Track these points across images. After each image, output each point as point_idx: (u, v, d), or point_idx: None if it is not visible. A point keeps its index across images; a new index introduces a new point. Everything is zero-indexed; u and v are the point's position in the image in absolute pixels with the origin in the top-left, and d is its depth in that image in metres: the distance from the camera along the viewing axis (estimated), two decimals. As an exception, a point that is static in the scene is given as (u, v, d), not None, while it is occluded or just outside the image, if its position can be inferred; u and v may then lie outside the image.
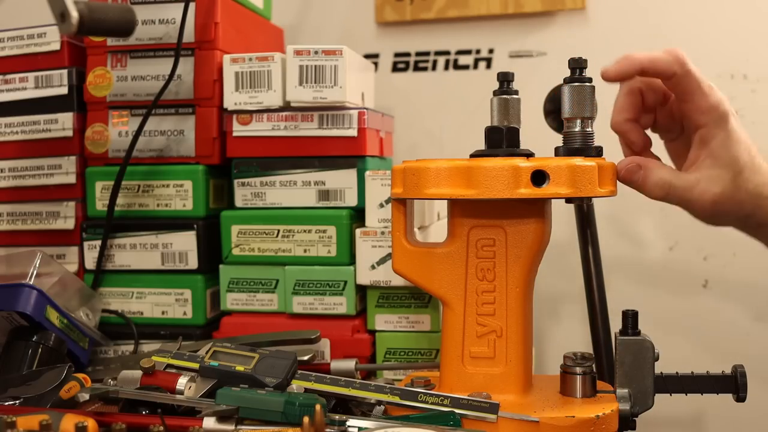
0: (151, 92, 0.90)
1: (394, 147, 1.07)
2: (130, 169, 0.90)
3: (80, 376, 0.73)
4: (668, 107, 0.74)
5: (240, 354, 0.72)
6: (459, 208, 0.69)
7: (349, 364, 0.80)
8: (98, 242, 0.91)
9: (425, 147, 1.19)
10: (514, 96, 0.75)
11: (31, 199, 0.94)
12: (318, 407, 0.56)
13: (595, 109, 0.70)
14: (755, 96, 1.10)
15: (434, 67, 1.19)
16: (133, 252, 0.91)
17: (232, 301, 0.89)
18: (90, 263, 0.91)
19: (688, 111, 0.70)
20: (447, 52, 1.18)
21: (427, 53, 1.19)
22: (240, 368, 0.70)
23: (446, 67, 1.19)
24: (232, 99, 0.89)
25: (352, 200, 0.88)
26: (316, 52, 0.87)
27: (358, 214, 0.88)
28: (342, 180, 0.88)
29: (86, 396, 0.68)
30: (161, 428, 0.56)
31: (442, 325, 0.71)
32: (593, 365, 0.70)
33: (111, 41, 0.92)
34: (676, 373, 0.71)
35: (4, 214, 0.95)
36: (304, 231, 0.87)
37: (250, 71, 0.88)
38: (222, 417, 0.62)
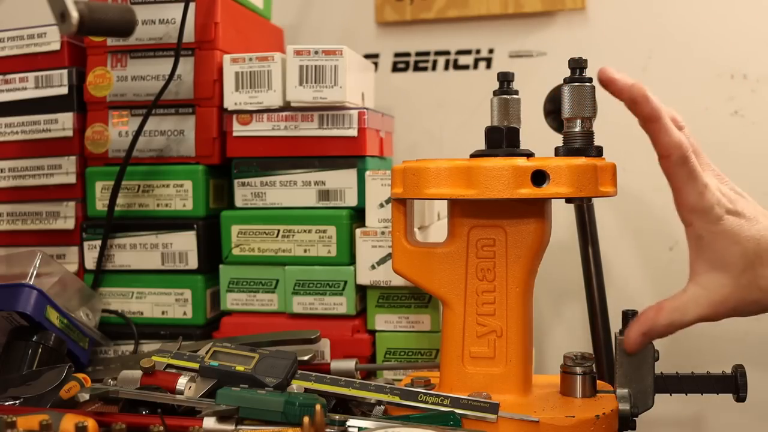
0: (151, 92, 0.90)
1: (394, 147, 1.07)
2: (130, 169, 0.90)
3: (80, 376, 0.73)
4: None
5: (240, 354, 0.72)
6: (459, 208, 0.69)
7: (349, 364, 0.80)
8: (98, 242, 0.91)
9: (425, 147, 1.19)
10: (514, 96, 0.75)
11: (31, 199, 0.94)
12: (318, 407, 0.56)
13: (595, 109, 0.70)
14: (755, 96, 1.10)
15: (434, 67, 1.19)
16: (133, 252, 0.91)
17: (232, 301, 0.89)
18: (90, 263, 0.91)
19: (677, 202, 0.67)
20: (447, 52, 1.18)
21: (427, 53, 1.19)
22: (240, 368, 0.70)
23: (446, 67, 1.19)
24: (232, 99, 0.89)
25: (352, 200, 0.88)
26: (316, 52, 0.87)
27: (358, 214, 0.88)
28: (342, 180, 0.88)
29: (86, 396, 0.68)
30: (161, 428, 0.56)
31: (442, 325, 0.71)
32: (593, 365, 0.70)
33: (111, 41, 0.92)
34: (676, 373, 0.71)
35: (4, 214, 0.95)
36: (304, 231, 0.87)
37: (250, 71, 0.88)
38: (222, 417, 0.62)
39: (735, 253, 0.65)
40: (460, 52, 1.18)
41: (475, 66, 1.18)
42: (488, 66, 1.17)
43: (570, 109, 0.69)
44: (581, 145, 0.69)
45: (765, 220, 0.66)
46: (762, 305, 0.66)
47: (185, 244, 0.90)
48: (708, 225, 0.65)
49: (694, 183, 0.65)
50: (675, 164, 0.65)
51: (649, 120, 0.66)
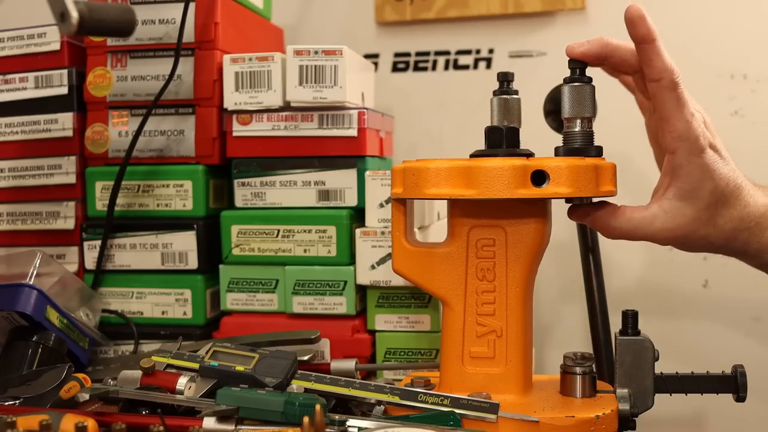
0: (151, 92, 0.90)
1: (394, 147, 1.07)
2: (130, 169, 0.90)
3: (80, 376, 0.73)
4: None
5: (240, 354, 0.72)
6: (459, 208, 0.69)
7: (349, 364, 0.80)
8: (98, 242, 0.91)
9: (425, 147, 1.19)
10: (514, 96, 0.75)
11: (31, 199, 0.94)
12: (318, 407, 0.56)
13: (595, 109, 0.70)
14: (755, 96, 1.10)
15: (434, 67, 1.19)
16: (133, 252, 0.91)
17: (232, 301, 0.89)
18: (90, 263, 0.91)
19: (663, 129, 0.68)
20: (447, 52, 1.18)
21: (427, 53, 1.19)
22: (240, 368, 0.70)
23: (446, 67, 1.19)
24: (232, 99, 0.89)
25: (352, 200, 0.88)
26: (316, 52, 0.87)
27: (358, 214, 0.88)
28: (342, 180, 0.88)
29: (86, 396, 0.68)
30: (161, 428, 0.56)
31: (442, 325, 0.71)
32: (593, 365, 0.70)
33: (111, 41, 0.92)
34: (676, 373, 0.71)
35: (4, 214, 0.95)
36: (304, 231, 0.87)
37: (250, 71, 0.88)
38: (222, 417, 0.62)
39: (707, 188, 0.66)
40: (460, 52, 1.18)
41: (475, 66, 1.18)
42: (488, 66, 1.17)
43: (570, 109, 0.69)
44: (581, 145, 0.69)
45: (733, 162, 0.68)
46: (708, 242, 0.69)
47: (185, 244, 0.90)
48: (690, 155, 0.66)
49: (681, 110, 0.66)
50: (665, 89, 0.66)
51: (643, 41, 0.66)
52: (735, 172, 0.68)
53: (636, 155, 1.11)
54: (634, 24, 0.66)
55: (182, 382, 0.70)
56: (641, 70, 0.69)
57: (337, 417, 0.62)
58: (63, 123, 0.93)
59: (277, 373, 0.69)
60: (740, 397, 0.70)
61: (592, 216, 0.70)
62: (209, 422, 0.62)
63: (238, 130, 0.90)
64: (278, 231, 0.87)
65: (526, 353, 0.69)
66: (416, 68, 1.19)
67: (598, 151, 0.69)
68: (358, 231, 0.84)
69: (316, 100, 0.87)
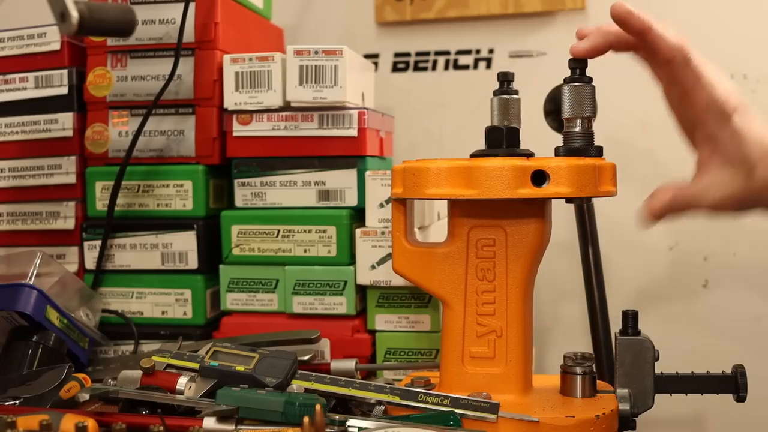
0: (151, 92, 0.90)
1: (394, 147, 1.07)
2: (130, 169, 0.90)
3: (80, 376, 0.73)
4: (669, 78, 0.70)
5: (240, 354, 0.72)
6: (459, 208, 0.69)
7: (349, 364, 0.80)
8: (98, 242, 0.91)
9: (425, 147, 1.19)
10: (514, 96, 0.75)
11: (31, 199, 0.94)
12: (318, 407, 0.56)
13: (595, 109, 0.70)
14: (755, 96, 1.10)
15: (434, 67, 1.19)
16: (133, 252, 0.91)
17: (232, 301, 0.89)
18: (90, 263, 0.91)
19: (688, 103, 0.67)
20: (447, 52, 1.18)
21: (427, 53, 1.19)
22: (240, 368, 0.70)
23: (446, 67, 1.19)
24: (232, 99, 0.89)
25: (352, 200, 0.88)
26: (316, 52, 0.87)
27: (358, 214, 0.88)
28: (342, 180, 0.88)
29: (86, 396, 0.68)
30: (161, 428, 0.56)
31: (442, 325, 0.71)
32: (593, 365, 0.70)
33: (111, 41, 0.92)
34: (676, 373, 0.71)
35: (4, 214, 0.95)
36: (304, 231, 0.87)
37: (250, 71, 0.88)
38: (222, 417, 0.62)
39: (743, 151, 0.65)
40: (460, 52, 1.18)
41: (475, 66, 1.18)
42: (488, 66, 1.17)
43: (570, 109, 0.69)
44: (581, 145, 0.69)
45: (759, 119, 0.67)
46: (762, 201, 0.67)
47: (185, 244, 0.90)
48: (720, 124, 0.66)
49: (702, 81, 0.66)
50: (680, 66, 0.66)
51: (641, 32, 0.66)
52: (765, 127, 0.67)
53: (636, 155, 1.12)
54: (625, 21, 0.66)
55: (182, 382, 0.70)
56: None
57: (337, 417, 0.62)
58: (63, 123, 0.93)
59: (277, 373, 0.69)
60: (740, 397, 0.70)
61: (664, 193, 0.68)
62: (209, 422, 0.62)
63: (238, 130, 0.90)
64: (278, 231, 0.87)
65: (526, 353, 0.69)
66: (416, 68, 1.19)
67: (598, 151, 0.69)
68: (358, 231, 0.84)
69: (316, 100, 0.87)
